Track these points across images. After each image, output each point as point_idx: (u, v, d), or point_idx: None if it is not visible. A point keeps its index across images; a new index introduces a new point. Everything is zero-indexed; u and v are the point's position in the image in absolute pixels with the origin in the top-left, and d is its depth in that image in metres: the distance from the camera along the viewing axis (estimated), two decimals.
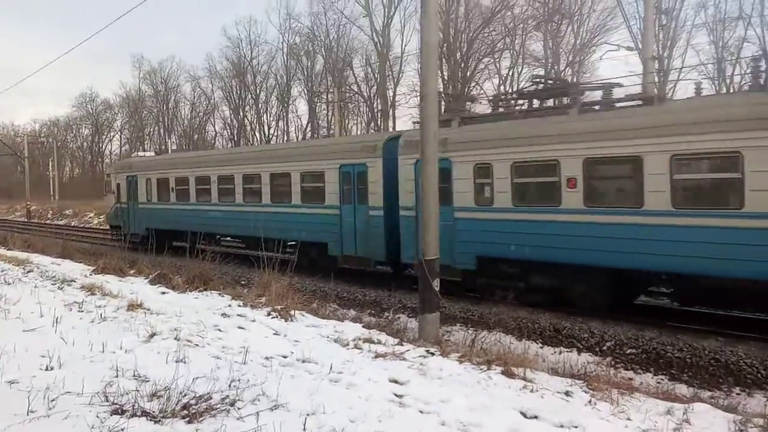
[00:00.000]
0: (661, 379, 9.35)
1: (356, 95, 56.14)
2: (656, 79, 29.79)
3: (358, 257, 15.89)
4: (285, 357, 6.81)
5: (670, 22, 36.65)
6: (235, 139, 65.26)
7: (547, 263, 12.20)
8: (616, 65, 66.38)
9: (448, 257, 13.05)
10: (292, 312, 9.17)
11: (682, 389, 8.53)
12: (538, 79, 14.76)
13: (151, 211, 24.36)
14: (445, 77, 46.30)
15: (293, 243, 18.07)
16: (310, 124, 60.02)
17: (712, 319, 11.55)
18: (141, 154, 32.71)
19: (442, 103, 16.25)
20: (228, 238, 22.64)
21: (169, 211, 23.31)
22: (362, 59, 54.61)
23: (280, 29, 61.27)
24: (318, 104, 59.30)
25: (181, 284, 11.84)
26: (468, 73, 47.59)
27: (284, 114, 63.54)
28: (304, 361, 6.65)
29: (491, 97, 15.01)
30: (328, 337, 8.03)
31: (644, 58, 19.31)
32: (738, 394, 8.67)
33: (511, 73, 47.80)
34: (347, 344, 7.64)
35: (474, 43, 47.00)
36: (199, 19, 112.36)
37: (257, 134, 64.83)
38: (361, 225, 15.68)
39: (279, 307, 9.24)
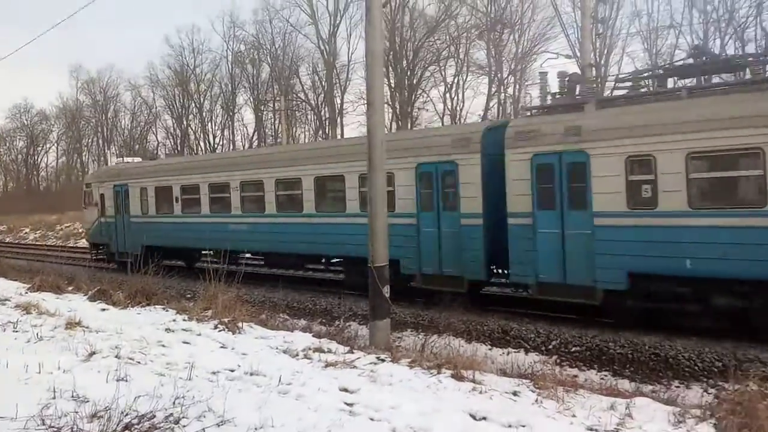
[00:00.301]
0: (605, 375, 9.64)
1: (303, 103, 55.89)
2: (595, 86, 30.85)
3: (443, 276, 13.22)
4: (232, 371, 6.69)
5: (606, 31, 38.08)
6: (179, 148, 63.81)
7: (737, 281, 9.75)
8: (555, 73, 68.02)
9: (583, 275, 11.03)
10: (240, 324, 9.02)
11: (624, 384, 8.83)
12: (695, 51, 12.28)
13: (149, 226, 20.84)
14: (392, 85, 46.70)
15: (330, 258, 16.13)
16: (256, 133, 59.35)
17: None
18: (129, 160, 28.64)
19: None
20: (248, 255, 19.54)
21: (172, 225, 19.83)
22: (309, 67, 54.50)
23: (224, 37, 60.33)
24: (264, 112, 58.74)
25: (123, 300, 11.46)
26: (414, 81, 48.16)
27: (230, 123, 62.64)
28: (252, 374, 6.55)
29: (628, 75, 12.29)
30: (277, 348, 7.94)
31: (582, 66, 19.95)
32: (677, 387, 9.02)
33: (456, 81, 48.64)
34: (297, 355, 7.57)
35: (420, 52, 47.62)
36: (140, 27, 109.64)
37: (201, 144, 63.67)
38: (448, 237, 13.02)
39: (226, 320, 9.07)
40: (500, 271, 13.12)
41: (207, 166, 19.89)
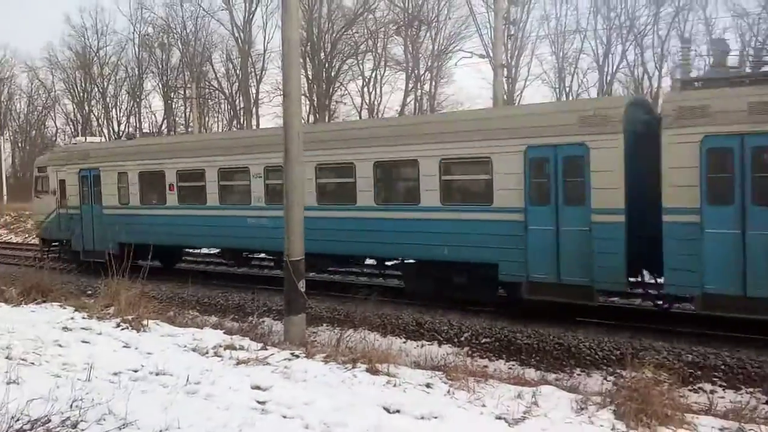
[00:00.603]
0: (513, 365, 10.00)
1: (216, 91, 54.18)
2: (505, 86, 32.04)
3: (562, 285, 11.05)
4: (136, 371, 6.39)
5: (517, 33, 39.58)
6: (80, 135, 60.19)
7: None
8: (469, 72, 70.31)
9: (732, 283, 9.45)
10: (145, 322, 8.62)
11: (531, 373, 9.20)
12: None
13: (129, 219, 17.44)
14: (309, 77, 46.21)
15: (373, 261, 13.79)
16: (165, 121, 56.92)
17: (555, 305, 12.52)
18: (92, 139, 23.90)
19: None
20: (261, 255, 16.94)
21: (164, 218, 16.64)
22: (222, 54, 52.91)
23: (130, 19, 57.40)
24: (174, 100, 56.44)
25: (16, 296, 10.68)
26: (332, 74, 47.90)
27: (136, 109, 59.72)
28: (157, 374, 6.28)
29: None
30: (185, 346, 7.65)
31: (494, 66, 20.64)
32: (579, 374, 9.49)
33: (374, 75, 48.85)
34: (206, 352, 7.33)
35: (338, 44, 47.45)
36: (38, 5, 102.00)
37: (105, 131, 60.33)
38: (571, 237, 10.88)
39: (130, 318, 8.65)
40: (637, 279, 11.50)
41: (217, 146, 16.57)
